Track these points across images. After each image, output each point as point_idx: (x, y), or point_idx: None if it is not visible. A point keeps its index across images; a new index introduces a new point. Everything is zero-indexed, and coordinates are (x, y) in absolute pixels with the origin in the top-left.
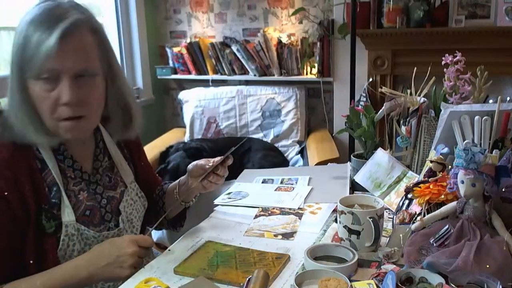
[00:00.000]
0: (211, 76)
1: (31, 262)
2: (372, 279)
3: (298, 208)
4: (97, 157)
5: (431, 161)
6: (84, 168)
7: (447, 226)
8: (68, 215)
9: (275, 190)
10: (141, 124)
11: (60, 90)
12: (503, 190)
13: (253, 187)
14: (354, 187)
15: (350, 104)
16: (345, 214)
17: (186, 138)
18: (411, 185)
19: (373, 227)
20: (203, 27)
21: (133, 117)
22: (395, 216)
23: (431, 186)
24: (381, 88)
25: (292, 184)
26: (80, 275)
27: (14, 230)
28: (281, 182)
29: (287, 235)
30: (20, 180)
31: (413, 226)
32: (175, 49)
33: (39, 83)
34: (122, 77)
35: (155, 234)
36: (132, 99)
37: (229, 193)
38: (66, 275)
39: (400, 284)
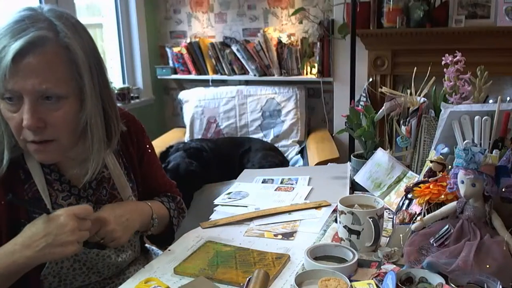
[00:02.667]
0: (211, 76)
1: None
2: (372, 279)
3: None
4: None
5: (431, 161)
6: (72, 182)
7: (447, 226)
8: None
9: (275, 190)
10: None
11: (22, 112)
12: (503, 190)
13: (253, 187)
14: (354, 187)
15: (350, 104)
16: (345, 214)
17: (186, 138)
18: (411, 185)
19: (373, 227)
20: (203, 27)
21: (87, 158)
22: (395, 216)
23: (431, 186)
24: (381, 88)
25: (292, 184)
26: (17, 261)
27: None
28: (281, 182)
29: (287, 235)
30: None
31: (413, 226)
32: (175, 49)
33: (3, 102)
34: (92, 105)
35: None
36: (95, 136)
37: (229, 193)
38: (1, 263)
39: (400, 284)
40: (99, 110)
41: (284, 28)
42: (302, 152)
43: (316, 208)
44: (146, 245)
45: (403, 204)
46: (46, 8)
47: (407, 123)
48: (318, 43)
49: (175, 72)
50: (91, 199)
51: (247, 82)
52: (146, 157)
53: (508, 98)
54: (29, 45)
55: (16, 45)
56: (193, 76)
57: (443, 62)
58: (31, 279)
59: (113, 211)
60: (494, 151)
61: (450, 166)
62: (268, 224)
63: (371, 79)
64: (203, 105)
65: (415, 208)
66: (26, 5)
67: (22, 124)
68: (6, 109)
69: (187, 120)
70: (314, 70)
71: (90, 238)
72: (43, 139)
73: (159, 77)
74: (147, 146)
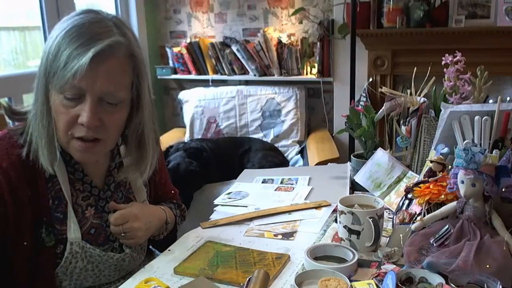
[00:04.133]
0: (211, 76)
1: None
2: (372, 279)
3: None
4: (110, 173)
5: (431, 161)
6: (94, 183)
7: (447, 226)
8: (74, 232)
9: (275, 190)
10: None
11: (81, 109)
12: (503, 190)
13: (253, 187)
14: (354, 187)
15: (350, 104)
16: (345, 214)
17: (186, 138)
18: (411, 185)
19: (373, 227)
20: (203, 27)
21: (146, 158)
22: (395, 216)
23: (431, 186)
24: (381, 88)
25: (292, 184)
26: None
27: (4, 237)
28: (281, 182)
29: (287, 235)
30: (21, 186)
31: (413, 226)
32: (175, 49)
33: (61, 96)
34: (147, 111)
35: None
36: (150, 138)
37: (229, 193)
38: None
39: (400, 284)
40: (151, 116)
41: (284, 28)
42: (302, 152)
43: (316, 208)
44: (150, 247)
45: (403, 204)
46: (110, 15)
47: (407, 123)
48: (318, 43)
49: (175, 72)
50: (109, 201)
51: (247, 82)
52: (160, 164)
53: (508, 98)
54: (108, 47)
55: (97, 47)
56: (193, 76)
57: (443, 62)
58: (44, 275)
59: (142, 210)
60: (494, 151)
61: (450, 166)
62: (268, 224)
63: (371, 79)
64: (203, 105)
65: (415, 208)
66: (86, 8)
67: (79, 120)
68: (61, 103)
69: (187, 120)
70: (314, 70)
71: (114, 230)
72: (95, 137)
73: (159, 77)
74: (161, 153)
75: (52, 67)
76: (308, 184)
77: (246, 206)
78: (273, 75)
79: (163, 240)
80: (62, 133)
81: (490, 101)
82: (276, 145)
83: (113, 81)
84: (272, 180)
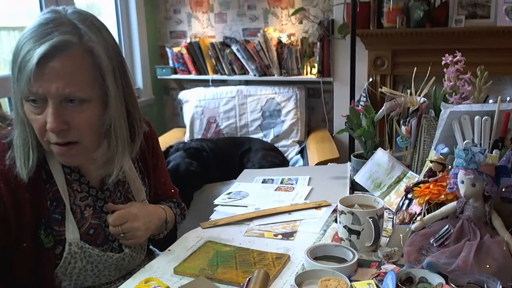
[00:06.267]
0: (211, 76)
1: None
2: (372, 279)
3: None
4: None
5: (431, 161)
6: (91, 183)
7: (447, 226)
8: (72, 233)
9: (275, 190)
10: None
11: (46, 114)
12: (503, 190)
13: (253, 187)
14: (354, 187)
15: (350, 104)
16: (345, 214)
17: (186, 138)
18: (411, 185)
19: (373, 227)
20: (203, 27)
21: (113, 157)
22: (395, 216)
23: (431, 186)
24: (381, 88)
25: (292, 184)
26: None
27: (5, 239)
28: (281, 182)
29: (287, 235)
30: (20, 187)
31: (413, 226)
32: (175, 49)
33: (28, 104)
34: (116, 108)
35: None
36: (119, 138)
37: (229, 193)
38: None
39: (400, 284)
40: (122, 112)
41: (284, 28)
42: (302, 152)
43: (316, 208)
44: (151, 246)
45: (403, 204)
46: (70, 10)
47: (407, 123)
48: (318, 43)
49: (175, 72)
50: (107, 201)
51: (247, 82)
52: (159, 163)
53: (508, 98)
54: (53, 49)
55: (40, 50)
56: (193, 76)
57: (443, 62)
58: (44, 275)
59: (141, 210)
60: (494, 151)
61: (450, 166)
62: (268, 224)
63: (371, 79)
64: (203, 105)
65: (415, 208)
66: (50, 7)
67: (46, 127)
68: (30, 111)
69: (187, 120)
70: (314, 70)
71: (113, 230)
72: (67, 141)
73: (159, 77)
74: (160, 152)
75: (14, 75)
76: (308, 184)
77: (246, 206)
78: (273, 75)
79: (163, 239)
80: (40, 140)
81: (490, 101)
82: (276, 145)
83: (68, 82)
84: (272, 180)
